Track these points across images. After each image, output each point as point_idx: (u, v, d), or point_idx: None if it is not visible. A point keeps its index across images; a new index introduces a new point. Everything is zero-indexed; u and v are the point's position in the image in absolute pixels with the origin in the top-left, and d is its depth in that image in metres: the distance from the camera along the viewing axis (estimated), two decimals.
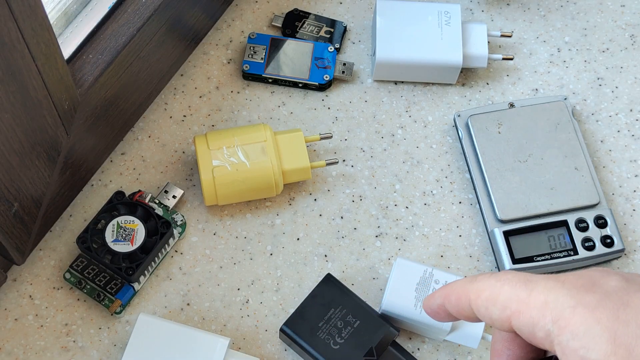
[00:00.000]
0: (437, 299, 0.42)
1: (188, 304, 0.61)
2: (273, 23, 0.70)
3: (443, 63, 0.67)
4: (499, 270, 0.62)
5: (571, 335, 0.33)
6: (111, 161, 0.65)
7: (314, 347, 0.57)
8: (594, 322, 0.33)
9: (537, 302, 0.35)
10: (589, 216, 0.62)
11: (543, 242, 0.61)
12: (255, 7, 0.71)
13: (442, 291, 0.41)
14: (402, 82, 0.69)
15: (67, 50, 0.58)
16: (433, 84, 0.69)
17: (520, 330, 0.36)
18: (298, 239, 0.63)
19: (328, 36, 0.70)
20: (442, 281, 0.58)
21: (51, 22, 0.49)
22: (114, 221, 0.60)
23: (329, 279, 0.59)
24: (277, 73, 0.68)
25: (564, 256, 0.61)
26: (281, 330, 0.58)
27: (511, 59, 0.68)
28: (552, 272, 0.62)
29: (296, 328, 0.57)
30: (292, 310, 0.59)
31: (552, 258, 0.61)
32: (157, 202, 0.63)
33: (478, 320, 0.39)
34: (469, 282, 0.39)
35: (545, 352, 0.40)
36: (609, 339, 0.32)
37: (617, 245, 0.62)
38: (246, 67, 0.68)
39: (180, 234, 0.62)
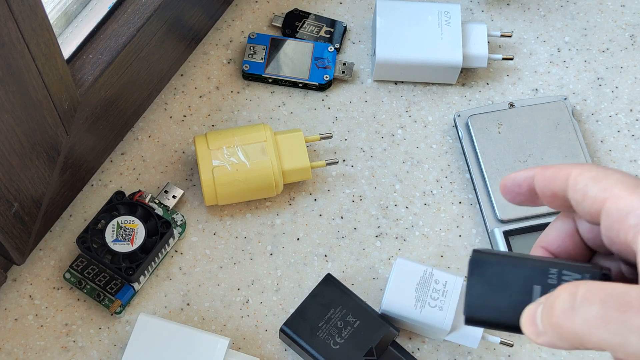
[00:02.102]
0: (528, 171, 0.39)
1: (188, 304, 0.61)
2: (273, 23, 0.70)
3: (443, 63, 0.67)
4: None
5: None
6: (111, 161, 0.65)
7: (314, 347, 0.57)
8: None
9: None
10: None
11: None
12: (255, 7, 0.71)
13: (535, 167, 0.39)
14: (402, 82, 0.69)
15: (67, 50, 0.58)
16: (433, 84, 0.69)
17: (609, 214, 0.34)
18: (298, 239, 0.63)
19: (328, 36, 0.70)
20: (442, 281, 0.58)
21: (51, 22, 0.49)
22: (114, 221, 0.60)
23: (329, 279, 0.59)
24: (277, 73, 0.68)
25: None
26: (281, 330, 0.58)
27: (511, 59, 0.68)
28: None
29: (296, 328, 0.57)
30: (292, 310, 0.59)
31: None
32: (157, 202, 0.63)
33: (560, 203, 0.37)
34: (572, 164, 0.38)
35: (591, 256, 0.39)
36: None
37: None
38: (246, 67, 0.68)
39: (180, 234, 0.62)
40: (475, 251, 0.37)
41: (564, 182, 0.37)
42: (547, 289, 0.36)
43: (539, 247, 0.39)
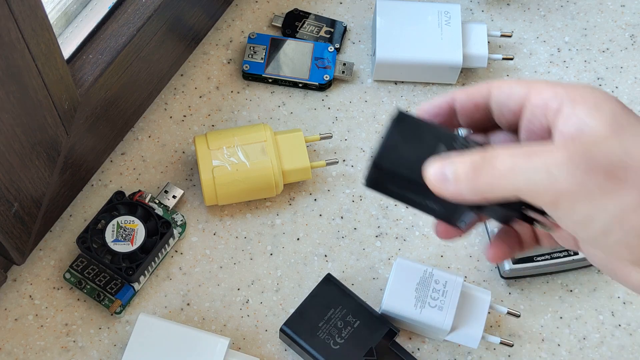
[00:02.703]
0: (447, 94, 0.43)
1: (188, 304, 0.61)
2: (273, 23, 0.70)
3: (443, 63, 0.67)
4: (499, 271, 0.62)
5: (576, 106, 0.38)
6: (111, 161, 0.65)
7: (314, 347, 0.57)
8: (603, 100, 0.38)
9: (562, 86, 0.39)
10: None
11: None
12: (255, 7, 0.71)
13: (453, 91, 0.43)
14: (402, 82, 0.69)
15: (67, 50, 0.58)
16: (433, 84, 0.69)
17: (533, 104, 0.40)
18: (298, 239, 0.63)
19: (328, 36, 0.70)
20: (442, 281, 0.58)
21: (51, 22, 0.49)
22: (114, 221, 0.60)
23: (329, 279, 0.59)
24: (277, 73, 0.68)
25: (564, 256, 0.61)
26: (281, 330, 0.58)
27: (511, 59, 0.68)
28: (552, 272, 0.62)
29: (296, 328, 0.57)
30: (292, 310, 0.59)
31: (552, 258, 0.61)
32: (157, 202, 0.63)
33: (480, 115, 0.42)
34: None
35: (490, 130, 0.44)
36: (609, 116, 0.38)
37: None
38: (246, 67, 0.68)
39: (180, 234, 0.62)
40: (399, 111, 0.42)
41: (486, 90, 0.42)
42: (450, 150, 0.40)
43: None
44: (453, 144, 0.41)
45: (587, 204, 0.36)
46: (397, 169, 0.41)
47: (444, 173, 0.39)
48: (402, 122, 0.42)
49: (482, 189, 0.38)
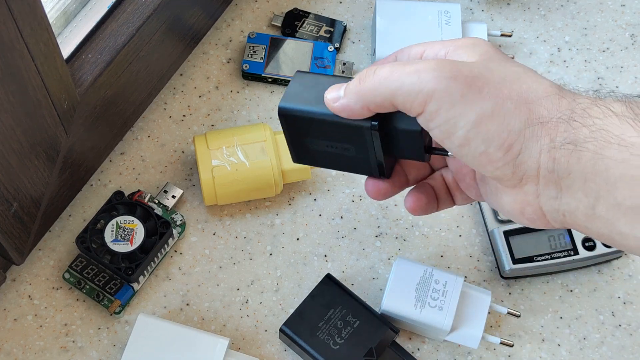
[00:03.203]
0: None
1: (187, 304, 0.61)
2: (273, 22, 0.70)
3: None
4: (499, 271, 0.62)
5: (457, 49, 0.46)
6: (110, 161, 0.65)
7: (314, 347, 0.57)
8: (479, 42, 0.46)
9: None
10: None
11: (543, 242, 0.61)
12: (255, 7, 0.71)
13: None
14: None
15: (66, 50, 0.57)
16: None
17: (428, 53, 0.47)
18: (298, 239, 0.63)
19: (328, 36, 0.70)
20: (442, 281, 0.58)
21: (50, 21, 0.49)
22: (113, 221, 0.60)
23: (328, 279, 0.59)
24: (276, 72, 0.68)
25: (564, 256, 0.61)
26: (281, 330, 0.58)
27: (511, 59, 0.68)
28: (552, 272, 0.62)
29: (296, 328, 0.57)
30: (291, 311, 0.59)
31: (552, 258, 0.61)
32: (157, 202, 0.62)
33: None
34: None
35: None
36: (482, 52, 0.45)
37: None
38: (246, 66, 0.67)
39: (180, 234, 0.62)
40: (298, 70, 0.48)
41: (392, 58, 0.49)
42: None
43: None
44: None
45: (450, 107, 0.41)
46: (299, 110, 0.46)
47: (338, 92, 0.45)
48: (301, 76, 0.47)
49: (364, 94, 0.44)
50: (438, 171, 0.51)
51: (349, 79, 0.46)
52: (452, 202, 0.51)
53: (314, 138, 0.48)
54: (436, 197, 0.50)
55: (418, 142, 0.46)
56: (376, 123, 0.45)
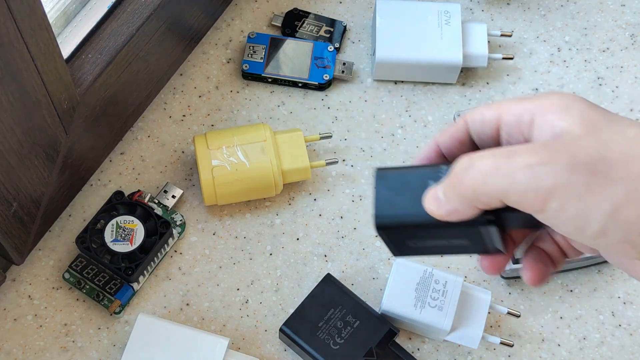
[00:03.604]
0: (429, 145, 0.44)
1: (187, 304, 0.61)
2: (273, 22, 0.70)
3: (443, 62, 0.67)
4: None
5: (546, 114, 0.39)
6: (110, 161, 0.65)
7: (314, 347, 0.57)
8: (570, 102, 0.39)
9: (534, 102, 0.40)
10: None
11: None
12: (255, 7, 0.71)
13: (431, 141, 0.44)
14: (402, 81, 0.69)
15: (66, 50, 0.57)
16: (433, 83, 0.69)
17: (507, 124, 0.40)
18: (298, 239, 0.63)
19: (328, 36, 0.70)
20: (442, 281, 0.58)
21: (50, 21, 0.49)
22: (113, 221, 0.60)
23: (328, 279, 0.59)
24: (276, 73, 0.68)
25: None
26: (281, 330, 0.58)
27: (511, 59, 0.68)
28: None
29: (296, 328, 0.57)
30: (291, 310, 0.59)
31: None
32: (157, 202, 0.62)
33: (466, 148, 0.42)
34: None
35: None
36: (580, 116, 0.38)
37: None
38: (246, 66, 0.67)
39: (180, 234, 0.62)
40: (377, 169, 0.42)
41: (463, 124, 0.43)
42: (438, 181, 0.40)
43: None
44: (439, 174, 0.41)
45: (577, 202, 0.36)
46: (400, 220, 0.41)
47: (436, 196, 0.39)
48: (384, 177, 0.42)
49: (468, 195, 0.38)
50: (543, 229, 0.44)
51: (436, 168, 0.41)
52: (565, 257, 0.45)
53: (420, 239, 0.43)
54: (550, 259, 0.44)
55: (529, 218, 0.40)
56: (492, 217, 0.40)
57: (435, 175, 0.41)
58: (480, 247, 0.42)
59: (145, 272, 0.60)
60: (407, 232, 0.42)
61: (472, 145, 0.43)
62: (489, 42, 0.68)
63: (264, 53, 0.68)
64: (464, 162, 0.38)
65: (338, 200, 0.64)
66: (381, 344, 0.57)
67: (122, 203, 0.61)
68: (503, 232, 0.41)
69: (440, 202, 0.39)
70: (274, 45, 0.68)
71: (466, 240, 0.42)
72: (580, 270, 0.63)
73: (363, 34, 0.71)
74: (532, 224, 0.40)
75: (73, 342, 0.59)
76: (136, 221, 0.60)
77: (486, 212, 0.39)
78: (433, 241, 0.43)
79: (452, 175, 0.39)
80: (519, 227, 0.42)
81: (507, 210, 0.38)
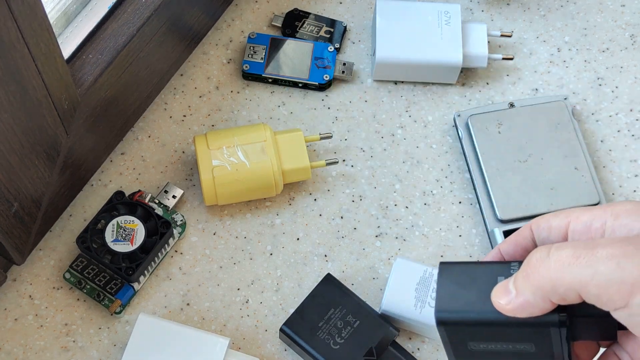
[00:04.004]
0: (493, 251, 0.42)
1: (188, 304, 0.61)
2: (273, 23, 0.70)
3: (443, 63, 0.67)
4: None
5: (618, 218, 0.37)
6: (111, 161, 0.65)
7: (314, 347, 0.57)
8: None
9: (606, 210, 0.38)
10: None
11: None
12: (255, 7, 0.71)
13: (493, 251, 0.42)
14: (402, 82, 0.69)
15: (67, 50, 0.58)
16: (433, 83, 0.69)
17: (575, 231, 0.39)
18: (298, 239, 0.63)
19: (328, 36, 0.70)
20: None
21: (51, 21, 0.49)
22: (114, 221, 0.60)
23: (328, 279, 0.59)
24: (277, 73, 0.68)
25: None
26: (281, 330, 0.58)
27: (511, 59, 0.68)
28: None
29: (296, 328, 0.57)
30: (292, 310, 0.59)
31: None
32: (157, 202, 0.62)
33: (527, 251, 0.40)
34: None
35: None
36: None
37: None
38: (246, 67, 0.68)
39: (180, 234, 0.62)
40: (441, 262, 0.40)
41: (528, 232, 0.41)
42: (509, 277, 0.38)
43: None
44: (510, 270, 0.38)
45: None
46: (462, 315, 0.38)
47: (507, 289, 0.37)
48: (449, 271, 0.39)
49: (543, 286, 0.36)
50: (609, 349, 0.41)
51: (506, 265, 0.39)
52: None
53: (482, 340, 0.40)
54: None
55: (611, 324, 0.38)
56: (565, 315, 0.37)
57: (505, 271, 0.38)
58: (547, 355, 0.39)
59: (145, 272, 0.60)
60: (470, 330, 0.39)
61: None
62: (488, 42, 0.68)
63: (264, 53, 0.68)
64: (540, 252, 0.36)
65: (338, 200, 0.64)
66: (381, 343, 0.57)
67: (122, 203, 0.61)
68: (572, 340, 0.39)
69: (510, 294, 0.37)
70: (274, 45, 0.69)
71: (533, 345, 0.39)
72: None
73: (363, 34, 0.71)
74: (606, 331, 0.38)
75: (74, 342, 0.59)
76: (137, 221, 0.60)
77: (558, 310, 0.37)
78: (496, 344, 0.39)
79: (527, 265, 0.36)
80: (590, 336, 0.40)
81: (581, 309, 0.36)
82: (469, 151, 0.65)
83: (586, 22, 0.72)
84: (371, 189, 0.65)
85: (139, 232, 0.60)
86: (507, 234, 0.61)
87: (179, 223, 0.62)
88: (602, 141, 0.67)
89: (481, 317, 0.38)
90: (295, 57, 0.68)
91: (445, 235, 0.63)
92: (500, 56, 0.68)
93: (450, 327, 0.39)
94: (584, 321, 0.37)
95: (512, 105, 0.66)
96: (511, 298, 0.37)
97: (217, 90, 0.68)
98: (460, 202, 0.65)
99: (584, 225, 0.38)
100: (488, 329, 0.39)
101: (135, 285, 0.60)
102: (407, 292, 0.58)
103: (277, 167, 0.62)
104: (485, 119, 0.65)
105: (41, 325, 0.60)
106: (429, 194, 0.65)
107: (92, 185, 0.64)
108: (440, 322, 0.39)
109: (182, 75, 0.68)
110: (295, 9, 0.71)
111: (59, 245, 0.62)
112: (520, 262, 0.39)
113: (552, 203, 0.62)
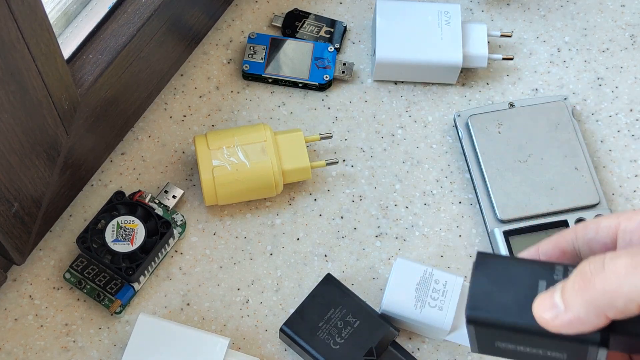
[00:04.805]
0: (531, 249, 0.40)
1: (188, 304, 0.61)
2: (273, 23, 0.70)
3: (443, 63, 0.67)
4: None
5: None
6: (111, 161, 0.65)
7: (314, 347, 0.57)
8: None
9: None
10: (589, 216, 0.62)
11: None
12: (255, 7, 0.71)
13: (532, 248, 0.40)
14: (402, 82, 0.69)
15: (67, 50, 0.58)
16: (433, 84, 0.69)
17: (626, 231, 0.37)
18: (298, 239, 0.63)
19: (328, 36, 0.70)
20: (442, 281, 0.58)
21: (51, 21, 0.49)
22: (114, 221, 0.60)
23: (329, 279, 0.59)
24: (277, 73, 0.68)
25: None
26: (281, 330, 0.58)
27: (511, 59, 0.68)
28: None
29: (296, 328, 0.57)
30: (292, 310, 0.59)
31: None
32: (157, 202, 0.63)
33: (567, 258, 0.39)
34: None
35: None
36: None
37: None
38: (246, 67, 0.68)
39: (180, 234, 0.62)
40: (479, 252, 0.37)
41: (572, 234, 0.39)
42: (552, 284, 0.35)
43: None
44: (554, 276, 0.36)
45: None
46: (497, 320, 0.36)
47: (553, 303, 0.34)
48: (486, 265, 0.37)
49: (599, 299, 0.33)
50: None
51: (550, 267, 0.36)
52: None
53: (512, 343, 0.37)
54: None
55: None
56: (607, 335, 0.34)
57: (548, 276, 0.36)
58: None
59: (145, 272, 0.60)
60: (501, 333, 0.36)
61: (574, 257, 0.39)
62: (488, 42, 0.68)
63: (264, 53, 0.68)
64: (594, 263, 0.33)
65: (338, 200, 0.64)
66: (381, 343, 0.57)
67: (122, 203, 0.61)
68: (607, 350, 0.36)
69: (556, 308, 0.34)
70: (274, 45, 0.69)
71: (565, 355, 0.36)
72: None
73: (363, 35, 0.71)
74: None
75: (74, 342, 0.59)
76: (137, 221, 0.60)
77: (602, 330, 0.34)
78: (526, 348, 0.37)
79: (578, 277, 0.33)
80: (626, 350, 0.37)
81: (624, 326, 0.34)
82: (469, 151, 0.65)
83: (586, 22, 0.72)
84: (371, 189, 0.65)
85: (139, 232, 0.60)
86: (507, 234, 0.61)
87: (179, 223, 0.62)
88: (602, 141, 0.67)
89: (517, 324, 0.35)
90: (295, 57, 0.68)
91: (445, 236, 0.63)
92: (500, 56, 0.68)
93: (480, 327, 0.37)
94: (625, 339, 0.35)
95: (512, 105, 0.66)
96: (558, 313, 0.34)
97: (217, 90, 0.68)
98: (460, 202, 0.65)
99: (637, 224, 0.36)
100: (521, 336, 0.36)
101: (136, 286, 0.60)
102: (407, 292, 0.58)
103: (277, 167, 0.62)
104: (485, 119, 0.65)
105: (41, 325, 0.60)
106: (429, 194, 0.65)
107: (92, 185, 0.64)
108: (471, 321, 0.36)
109: (182, 75, 0.68)
110: (295, 9, 0.71)
111: (59, 245, 0.62)
112: (565, 267, 0.36)
113: (552, 203, 0.62)
